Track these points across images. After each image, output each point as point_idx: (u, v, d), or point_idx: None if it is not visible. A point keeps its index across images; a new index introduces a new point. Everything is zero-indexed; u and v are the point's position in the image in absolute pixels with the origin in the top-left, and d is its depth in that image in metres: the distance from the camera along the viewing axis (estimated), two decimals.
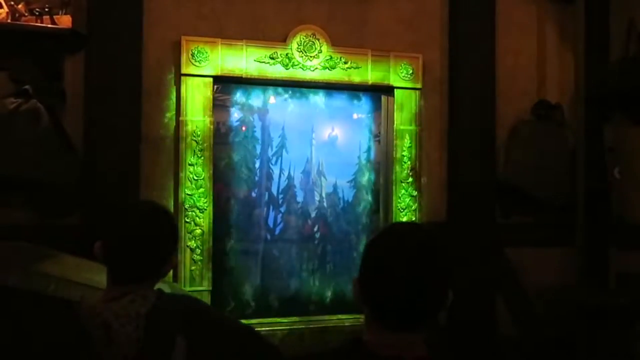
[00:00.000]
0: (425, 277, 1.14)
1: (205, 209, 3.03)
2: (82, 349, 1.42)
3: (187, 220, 2.99)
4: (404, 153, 3.37)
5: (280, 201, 3.33)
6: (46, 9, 2.73)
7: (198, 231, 3.02)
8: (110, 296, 1.47)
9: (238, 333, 1.66)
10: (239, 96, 3.23)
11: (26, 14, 2.73)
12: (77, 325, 1.44)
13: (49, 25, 2.73)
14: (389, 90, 3.39)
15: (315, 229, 3.40)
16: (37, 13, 2.73)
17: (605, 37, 3.60)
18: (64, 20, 2.75)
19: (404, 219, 3.31)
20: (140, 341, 1.38)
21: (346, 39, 3.29)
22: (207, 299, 2.98)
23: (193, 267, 3.00)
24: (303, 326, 3.19)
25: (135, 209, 1.60)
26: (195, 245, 3.00)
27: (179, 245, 2.95)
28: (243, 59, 3.09)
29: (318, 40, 3.22)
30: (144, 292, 1.47)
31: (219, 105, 3.17)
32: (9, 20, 2.70)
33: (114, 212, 1.59)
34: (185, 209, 2.99)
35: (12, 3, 2.72)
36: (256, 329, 2.16)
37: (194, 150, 3.01)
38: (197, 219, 3.01)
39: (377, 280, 1.17)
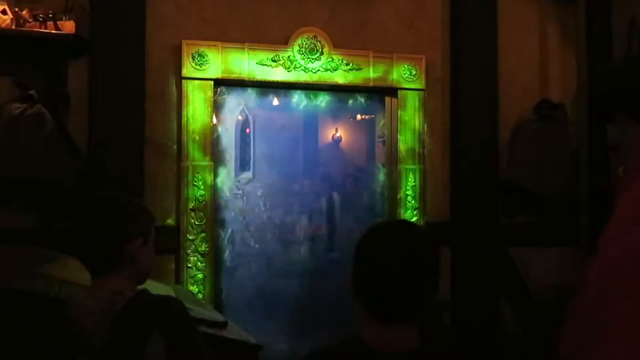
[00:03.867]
0: (412, 270, 1.19)
1: (207, 254, 3.03)
2: (64, 346, 1.45)
3: (189, 265, 2.99)
4: (408, 154, 3.37)
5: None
6: (50, 15, 2.76)
7: (200, 276, 3.01)
8: (90, 294, 1.50)
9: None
10: (240, 99, 3.25)
11: (30, 20, 2.77)
12: (60, 322, 1.47)
13: (53, 31, 2.76)
14: (392, 91, 3.40)
15: None
16: (41, 19, 2.76)
17: (607, 36, 3.58)
18: (68, 26, 2.79)
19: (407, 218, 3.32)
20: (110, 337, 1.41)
21: (348, 41, 3.31)
22: None
23: None
24: None
25: (92, 200, 1.65)
26: (197, 290, 2.98)
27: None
28: (245, 62, 3.11)
29: (320, 42, 3.23)
30: (123, 289, 1.48)
31: (220, 107, 3.19)
32: (13, 27, 2.73)
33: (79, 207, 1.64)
34: (187, 254, 2.99)
35: (17, 9, 2.76)
36: None
37: (196, 196, 3.01)
38: (199, 264, 3.01)
39: (367, 276, 1.22)
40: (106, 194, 1.69)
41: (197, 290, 2.96)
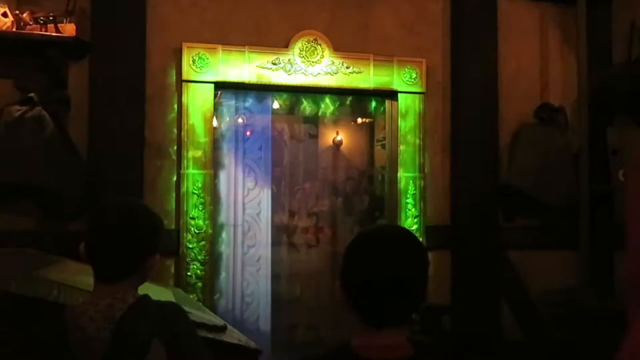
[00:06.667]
0: (400, 273, 1.19)
1: (207, 262, 3.01)
2: (63, 352, 1.45)
3: (188, 274, 2.97)
4: (409, 157, 3.37)
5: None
6: (51, 18, 2.76)
7: (199, 284, 2.99)
8: (91, 299, 1.49)
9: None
10: (240, 102, 3.25)
11: (31, 23, 2.77)
12: (60, 327, 1.46)
13: (54, 34, 2.76)
14: (392, 94, 3.39)
15: None
16: (41, 22, 2.76)
17: (607, 40, 3.59)
18: (68, 29, 2.79)
19: (408, 222, 3.32)
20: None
21: (348, 44, 3.31)
22: None
23: None
24: None
25: (113, 207, 1.59)
26: (197, 298, 2.95)
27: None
28: (245, 65, 3.11)
29: (320, 45, 3.23)
30: (124, 295, 1.47)
31: (221, 110, 3.18)
32: (14, 29, 2.74)
33: (95, 211, 1.61)
34: (187, 262, 2.97)
35: (17, 12, 2.76)
36: None
37: (195, 204, 2.99)
38: (198, 272, 2.99)
39: (356, 282, 1.22)
40: (126, 202, 1.65)
41: (196, 298, 2.93)
